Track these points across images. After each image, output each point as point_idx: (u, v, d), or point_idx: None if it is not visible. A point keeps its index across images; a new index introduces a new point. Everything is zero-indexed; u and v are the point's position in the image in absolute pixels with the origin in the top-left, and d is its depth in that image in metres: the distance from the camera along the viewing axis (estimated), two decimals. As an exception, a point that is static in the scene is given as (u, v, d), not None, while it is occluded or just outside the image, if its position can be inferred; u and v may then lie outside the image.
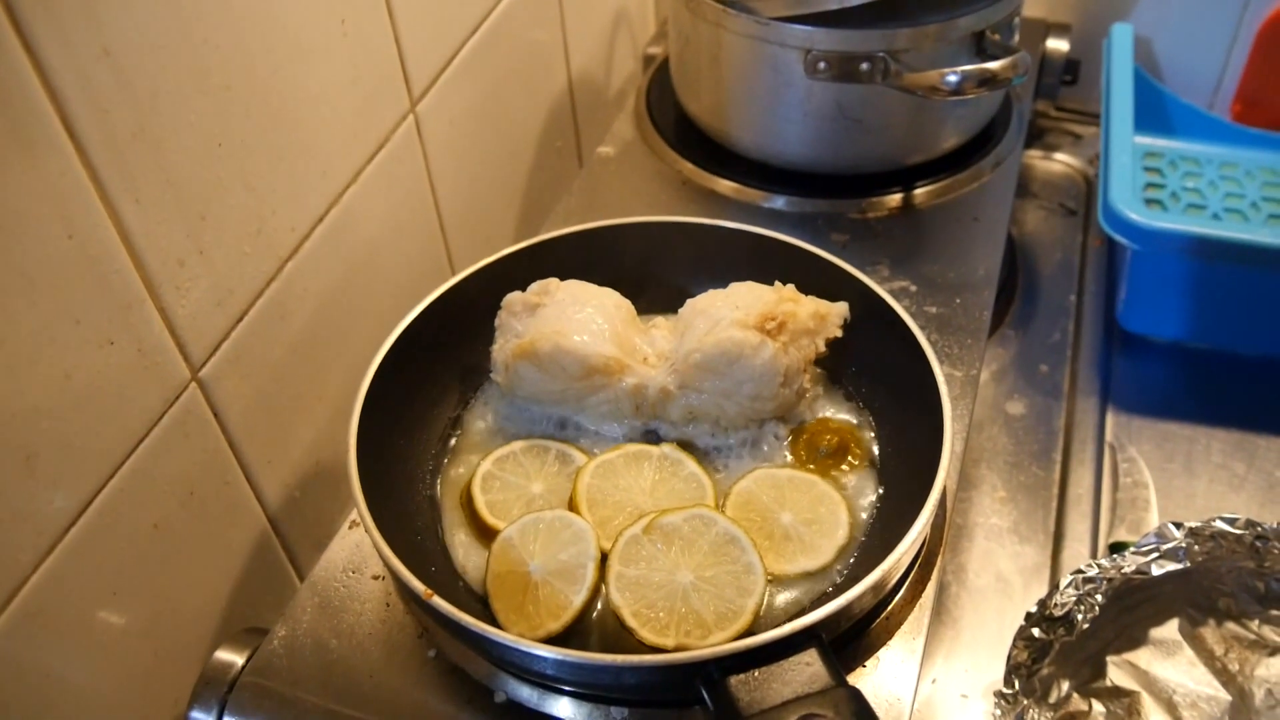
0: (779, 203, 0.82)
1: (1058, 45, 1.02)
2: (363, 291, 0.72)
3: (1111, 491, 0.78)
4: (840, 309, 0.62)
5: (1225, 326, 0.87)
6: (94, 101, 0.48)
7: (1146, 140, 1.06)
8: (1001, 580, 0.73)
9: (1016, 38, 0.81)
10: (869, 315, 0.63)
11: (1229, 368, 0.87)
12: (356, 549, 0.61)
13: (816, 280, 0.65)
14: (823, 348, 0.62)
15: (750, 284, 0.63)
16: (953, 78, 0.70)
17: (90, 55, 0.47)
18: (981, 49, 0.76)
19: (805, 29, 0.73)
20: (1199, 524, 0.64)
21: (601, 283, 0.66)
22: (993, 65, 0.70)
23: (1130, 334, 0.89)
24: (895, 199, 0.82)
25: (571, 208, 0.83)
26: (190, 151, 0.54)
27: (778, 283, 0.63)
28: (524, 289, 0.65)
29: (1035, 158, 1.07)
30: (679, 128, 0.89)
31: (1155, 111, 1.05)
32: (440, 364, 0.65)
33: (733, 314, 0.59)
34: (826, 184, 0.82)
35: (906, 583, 0.58)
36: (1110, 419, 0.83)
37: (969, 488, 0.78)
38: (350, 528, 0.62)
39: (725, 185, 0.83)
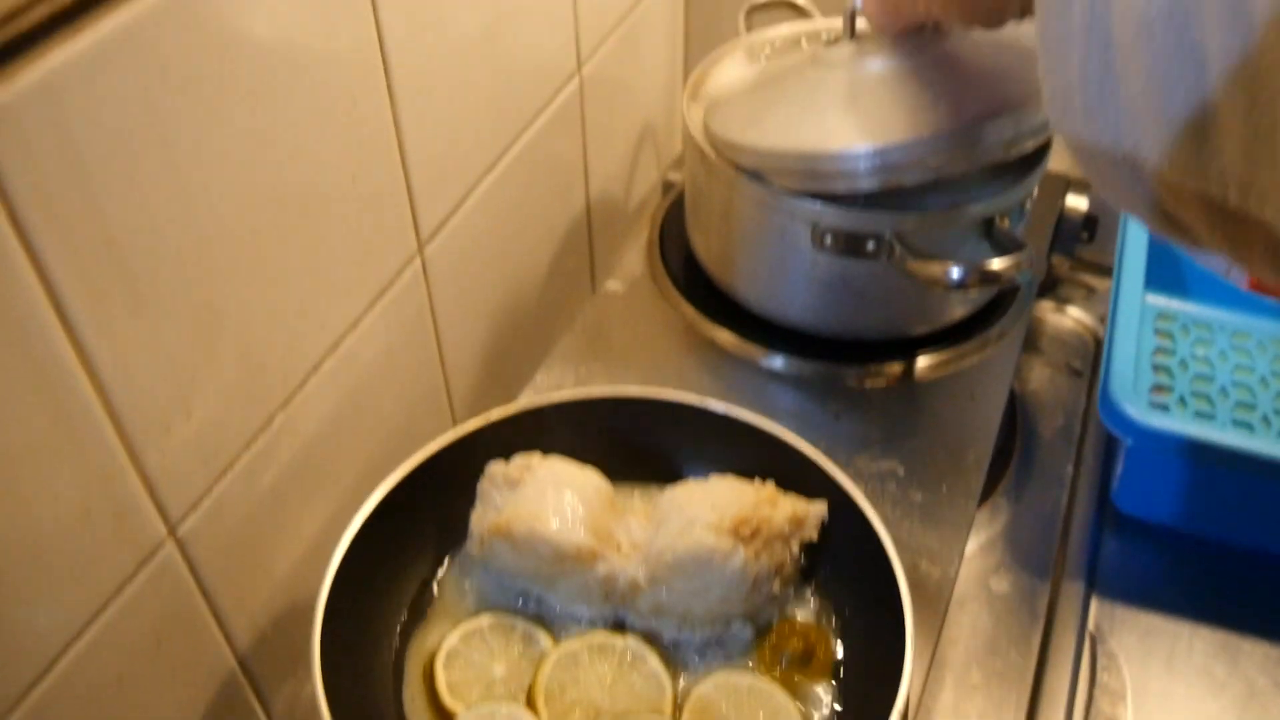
0: (778, 362, 0.82)
1: (1077, 203, 1.02)
2: (355, 431, 0.72)
3: (1088, 688, 0.77)
4: (818, 512, 0.63)
5: (1219, 520, 0.86)
6: (91, 288, 0.49)
7: (1161, 301, 1.06)
8: (965, 775, 0.72)
9: (1025, 223, 0.81)
10: (846, 516, 0.63)
11: (1221, 559, 0.86)
12: (319, 704, 0.62)
13: (797, 470, 0.65)
14: (797, 551, 0.62)
15: (730, 481, 0.63)
16: (955, 274, 0.70)
17: (91, 248, 0.48)
18: (990, 235, 0.76)
19: (813, 205, 0.74)
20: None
21: (589, 448, 0.67)
22: (996, 264, 0.70)
23: (1124, 514, 0.89)
24: (895, 368, 0.82)
25: (572, 346, 0.83)
26: (185, 322, 0.55)
27: (758, 480, 0.63)
28: (509, 453, 0.65)
29: (1047, 310, 1.06)
30: (687, 269, 0.90)
31: (1171, 273, 1.05)
32: (420, 521, 0.66)
33: (708, 516, 0.59)
34: (827, 347, 0.82)
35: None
36: (1094, 606, 0.82)
37: (942, 668, 0.77)
38: (316, 679, 0.63)
39: (726, 338, 0.84)
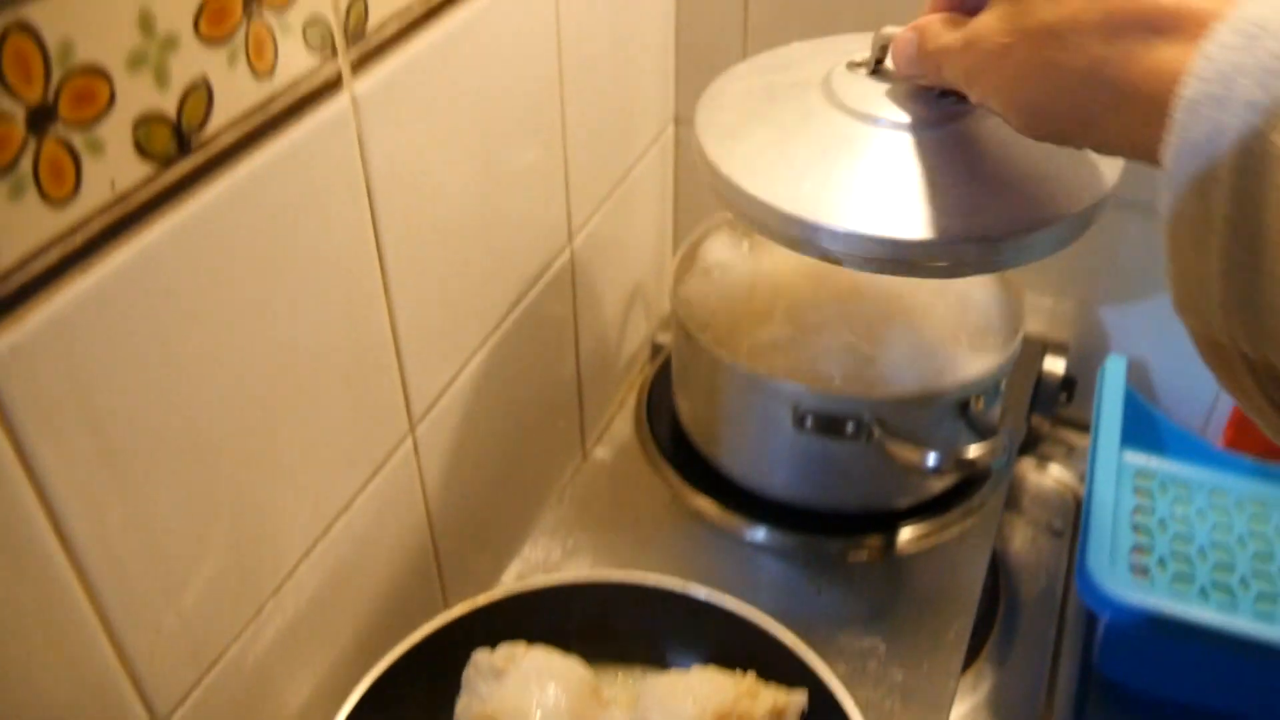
0: (760, 534, 0.84)
1: (1054, 365, 1.05)
2: (343, 608, 0.73)
3: None
4: (798, 703, 0.64)
5: (1201, 687, 0.87)
6: (88, 498, 0.50)
7: (1139, 458, 1.08)
8: None
9: (1000, 403, 0.83)
10: (825, 706, 0.64)
11: (1203, 727, 0.87)
12: None
13: (778, 658, 0.66)
14: (777, 744, 0.63)
15: (711, 673, 0.64)
16: (932, 460, 0.72)
17: (90, 459, 0.50)
18: (966, 415, 0.78)
19: (794, 388, 0.76)
20: None
21: (571, 631, 0.68)
22: (971, 452, 0.72)
23: (1107, 680, 0.89)
24: (877, 541, 0.83)
25: (560, 518, 0.85)
26: (178, 526, 0.56)
27: (739, 671, 0.64)
28: (494, 639, 0.67)
29: (1029, 468, 1.08)
30: (674, 435, 0.92)
31: (1149, 433, 1.07)
32: (404, 709, 0.66)
33: (689, 709, 0.60)
34: (810, 520, 0.84)
35: None
36: (1077, 782, 0.82)
37: (926, 847, 0.77)
38: None
39: (710, 509, 0.86)
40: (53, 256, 0.46)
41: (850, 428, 0.76)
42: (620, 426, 0.94)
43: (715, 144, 0.67)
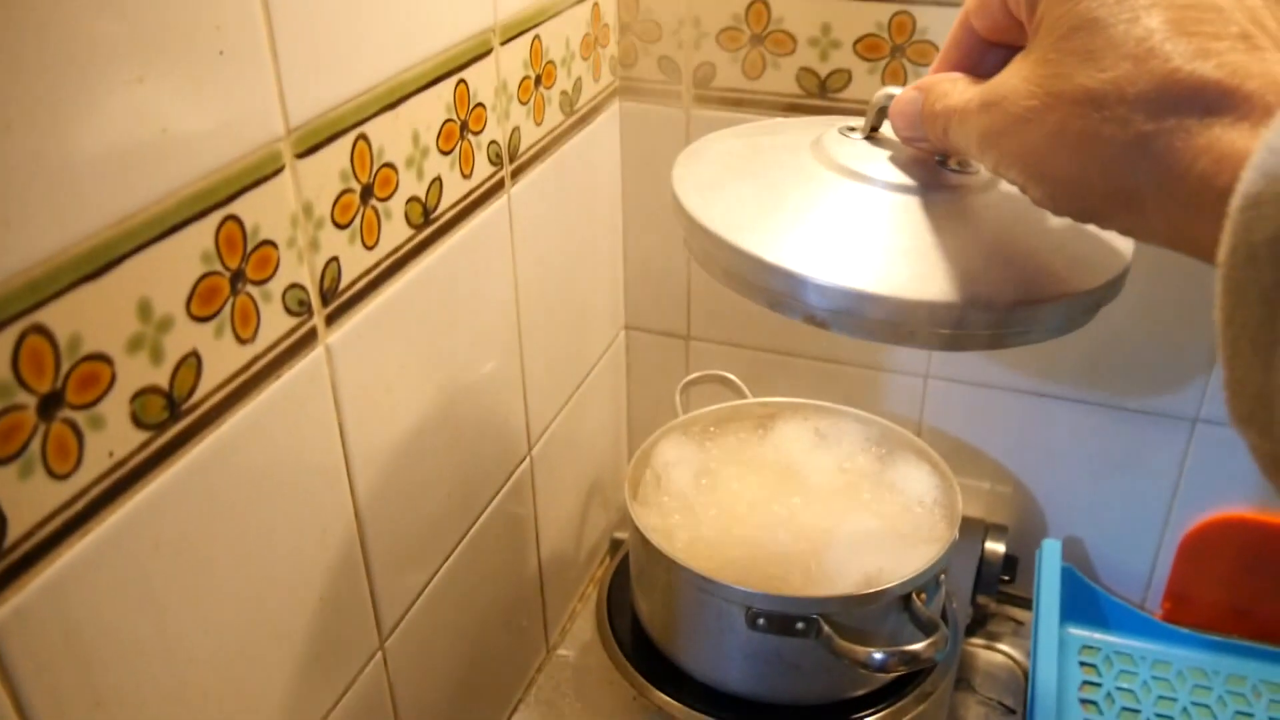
0: (721, 730, 0.87)
1: (995, 547, 1.10)
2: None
3: None
4: None
5: None
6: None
7: (1083, 633, 1.13)
8: None
9: (941, 594, 0.88)
10: None
11: None
12: None
13: None
14: None
15: None
16: (877, 656, 0.76)
17: (79, 712, 0.53)
18: (909, 610, 0.83)
19: (745, 591, 0.81)
20: None
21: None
22: (914, 648, 0.77)
23: None
24: (833, 733, 0.87)
25: (529, 717, 0.88)
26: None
27: None
28: None
29: (978, 646, 1.12)
30: (634, 632, 0.96)
31: (1090, 607, 1.12)
32: None
33: None
34: (768, 714, 0.87)
35: None
36: None
37: None
38: None
39: (672, 705, 0.89)
40: (54, 525, 0.50)
41: (800, 626, 0.81)
42: (583, 624, 0.98)
43: (693, 195, 0.59)
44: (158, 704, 0.59)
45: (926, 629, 0.79)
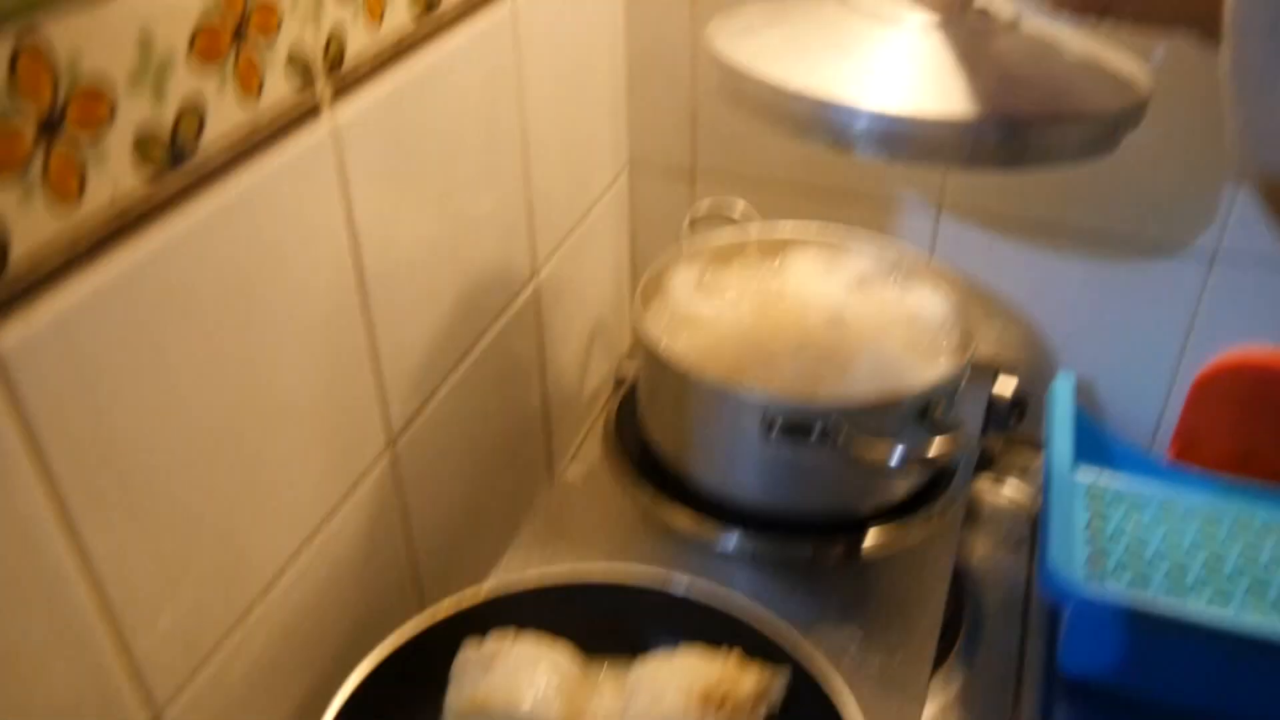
0: (731, 542, 0.86)
1: (1005, 386, 1.09)
2: (329, 618, 0.75)
3: None
4: (780, 683, 0.66)
5: (1160, 679, 0.90)
6: (95, 497, 0.52)
7: (1091, 476, 1.12)
8: None
9: (959, 405, 0.87)
10: (806, 685, 0.66)
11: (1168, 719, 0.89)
12: None
13: (759, 643, 0.69)
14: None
15: (696, 654, 0.66)
16: (897, 455, 0.75)
17: (94, 456, 0.52)
18: (926, 418, 0.82)
19: (762, 394, 0.79)
20: None
21: (558, 628, 0.70)
22: (933, 447, 0.76)
23: (1070, 678, 0.92)
24: (843, 545, 0.86)
25: (535, 534, 0.87)
26: (175, 523, 0.58)
27: (724, 649, 0.67)
28: (483, 634, 0.68)
29: (985, 487, 1.12)
30: (642, 456, 0.95)
31: (1098, 450, 1.11)
32: (394, 706, 0.68)
33: (675, 690, 0.62)
34: (780, 527, 0.87)
35: None
36: (1048, 773, 0.85)
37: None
38: None
39: (682, 521, 0.88)
40: (58, 257, 0.49)
41: (816, 431, 0.79)
42: (588, 450, 0.97)
43: (726, 41, 0.66)
44: (167, 465, 0.57)
45: (944, 433, 0.78)
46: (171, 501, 0.58)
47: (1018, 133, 0.60)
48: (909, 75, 0.61)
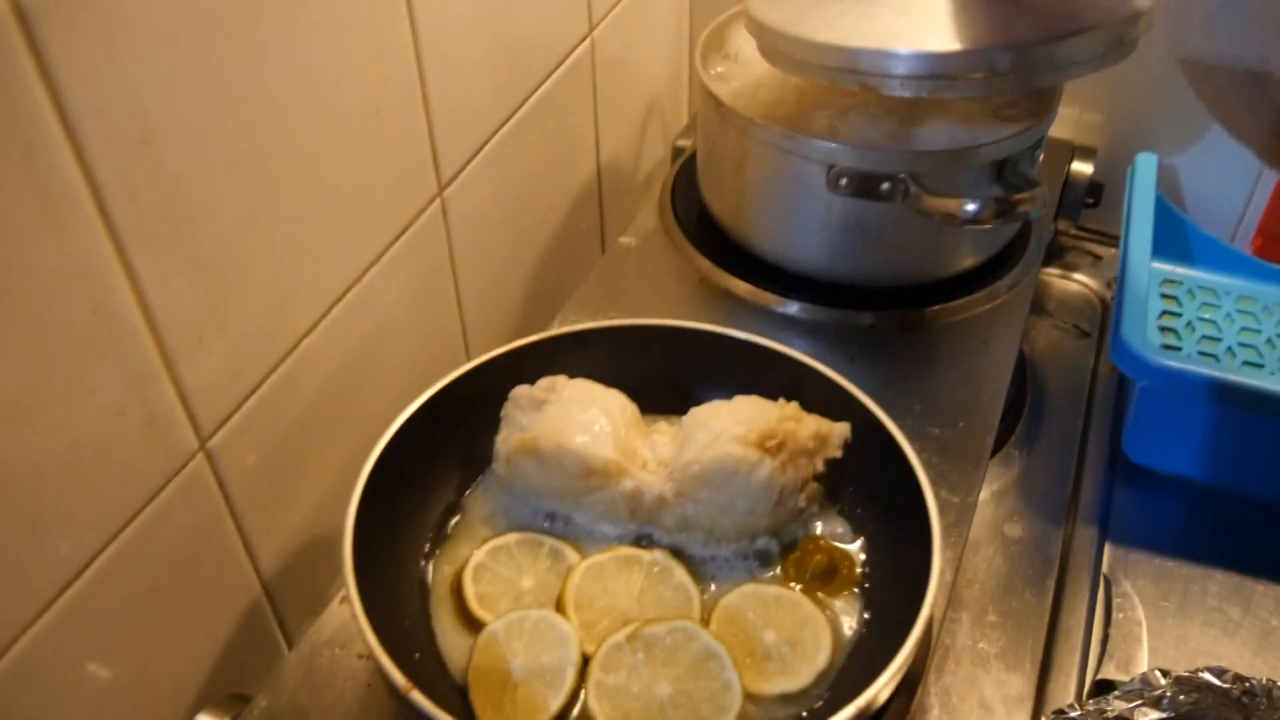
0: (792, 308, 0.83)
1: (1082, 168, 1.03)
2: (375, 366, 0.73)
3: (1103, 626, 0.77)
4: (841, 430, 0.63)
5: (1230, 466, 0.87)
6: (128, 186, 0.49)
7: (1166, 267, 1.07)
8: (984, 707, 0.72)
9: (1037, 169, 0.82)
10: (870, 437, 0.64)
11: (1232, 508, 0.86)
12: (344, 625, 0.62)
13: (820, 396, 0.66)
14: (821, 468, 0.63)
15: (754, 399, 0.64)
16: (970, 207, 0.71)
17: (130, 144, 0.49)
18: (1002, 177, 0.77)
19: (829, 145, 0.75)
20: (1186, 674, 0.64)
21: (610, 379, 0.67)
22: (1011, 198, 0.71)
23: (1134, 464, 0.89)
24: (907, 315, 0.83)
25: (589, 296, 0.84)
26: (218, 232, 0.56)
27: (781, 400, 0.64)
28: (533, 382, 0.66)
29: (1053, 276, 1.08)
30: (700, 224, 0.91)
31: (1176, 240, 1.06)
32: (443, 448, 0.66)
33: (734, 429, 0.60)
34: (840, 294, 0.83)
35: (891, 705, 0.58)
36: (1108, 550, 0.83)
37: (960, 608, 0.78)
38: (340, 602, 0.63)
39: (740, 286, 0.85)
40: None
41: (885, 186, 0.75)
42: (645, 219, 0.93)
43: (763, 6, 0.77)
44: (209, 166, 0.54)
45: (1021, 190, 0.73)
46: (215, 207, 0.55)
47: (1027, 55, 0.67)
48: (926, 17, 0.69)
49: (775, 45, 0.75)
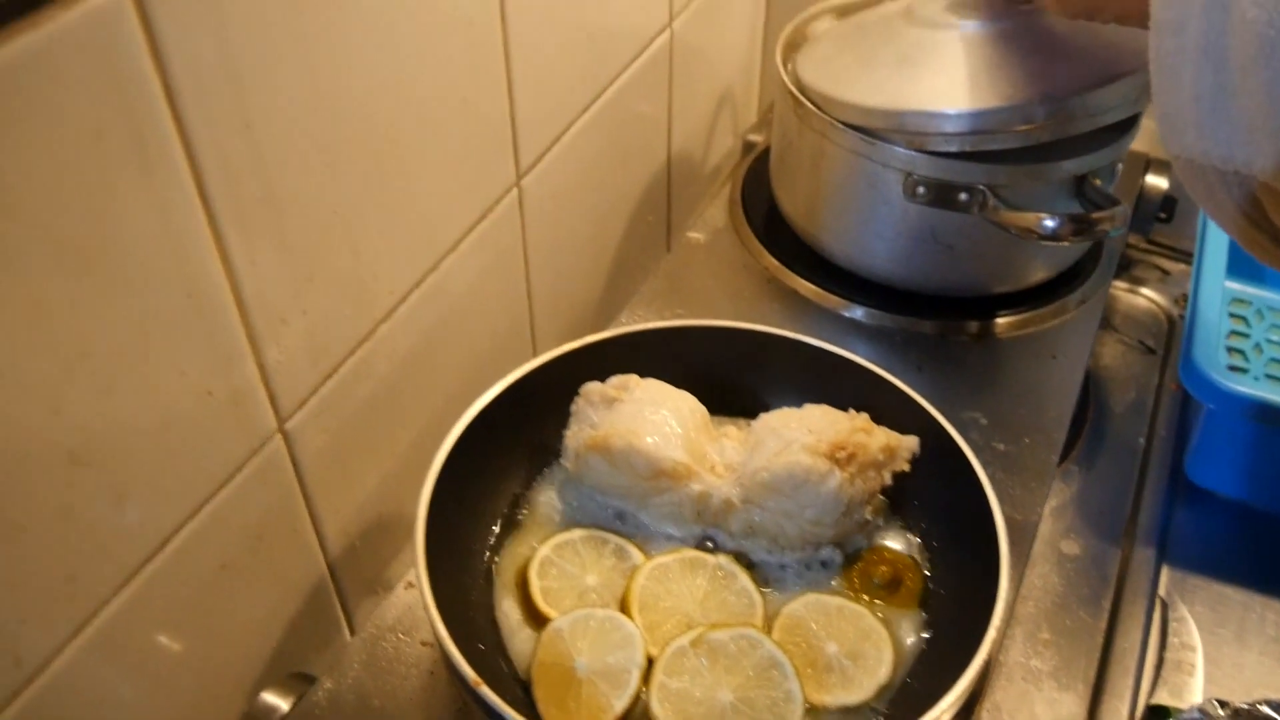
0: (859, 313, 0.83)
1: (1156, 182, 1.02)
2: (447, 353, 0.74)
3: (1158, 650, 0.77)
4: (910, 444, 0.63)
5: (1288, 491, 0.86)
6: (228, 171, 0.50)
7: (1236, 286, 1.06)
8: (1036, 726, 0.72)
9: (1115, 185, 0.81)
10: (938, 451, 0.64)
11: (1293, 534, 0.86)
12: (409, 611, 0.63)
13: (889, 407, 0.66)
14: (889, 480, 0.63)
15: (825, 408, 0.64)
16: (1049, 223, 0.70)
17: (232, 129, 0.49)
18: (1081, 192, 0.76)
19: (908, 153, 0.74)
20: (1245, 705, 0.64)
21: (679, 379, 0.67)
22: (1090, 215, 0.70)
23: (1196, 486, 0.88)
24: (975, 325, 0.82)
25: (656, 290, 0.84)
26: (307, 217, 0.56)
27: (851, 410, 0.64)
28: (602, 378, 0.66)
29: (1120, 290, 1.06)
30: (770, 222, 0.91)
31: (1246, 258, 1.04)
32: (512, 440, 0.66)
33: (804, 438, 0.60)
34: (908, 301, 0.83)
35: (945, 722, 0.59)
36: (1165, 573, 0.82)
37: (1014, 624, 0.78)
38: (406, 588, 0.64)
39: (808, 288, 0.85)
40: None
41: (963, 197, 0.74)
42: (714, 214, 0.93)
43: (811, 71, 0.81)
44: (303, 152, 0.55)
45: (1101, 208, 0.73)
46: (306, 192, 0.56)
47: (1064, 106, 0.70)
48: (964, 76, 0.72)
49: (826, 109, 0.78)
